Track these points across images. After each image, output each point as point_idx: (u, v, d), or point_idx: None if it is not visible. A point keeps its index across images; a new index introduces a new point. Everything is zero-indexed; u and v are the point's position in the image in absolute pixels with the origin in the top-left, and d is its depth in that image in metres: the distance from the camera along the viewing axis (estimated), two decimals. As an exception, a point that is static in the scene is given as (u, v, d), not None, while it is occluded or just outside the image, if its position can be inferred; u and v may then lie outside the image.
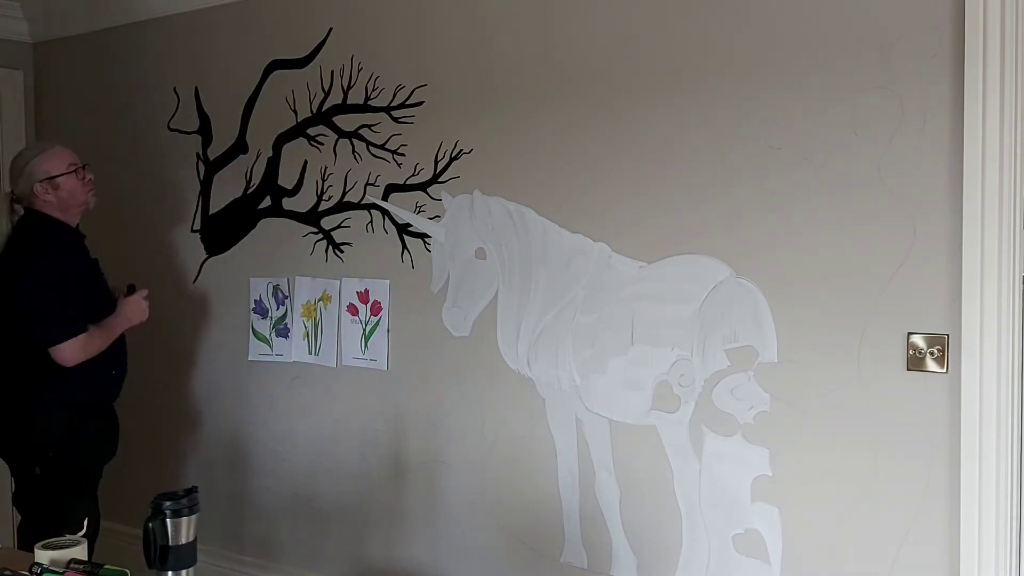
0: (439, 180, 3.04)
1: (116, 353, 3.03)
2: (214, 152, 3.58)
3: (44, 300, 2.84)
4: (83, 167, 3.02)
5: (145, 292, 3.12)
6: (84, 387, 2.94)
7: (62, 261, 2.90)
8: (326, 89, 3.28)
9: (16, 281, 2.85)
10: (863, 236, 2.34)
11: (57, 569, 1.94)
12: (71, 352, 2.83)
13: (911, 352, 2.29)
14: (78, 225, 3.04)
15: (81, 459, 2.98)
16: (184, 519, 2.07)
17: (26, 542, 2.75)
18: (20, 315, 2.85)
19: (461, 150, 2.99)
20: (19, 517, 3.02)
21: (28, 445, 2.92)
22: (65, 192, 2.95)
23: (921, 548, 2.31)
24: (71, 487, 2.94)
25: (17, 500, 3.01)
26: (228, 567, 3.60)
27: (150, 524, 2.05)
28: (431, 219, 3.06)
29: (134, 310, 3.07)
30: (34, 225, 2.93)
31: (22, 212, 2.96)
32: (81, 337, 2.85)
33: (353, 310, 3.27)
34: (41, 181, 2.92)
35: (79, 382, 2.91)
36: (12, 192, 2.98)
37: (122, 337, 3.06)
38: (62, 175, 2.95)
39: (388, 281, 3.18)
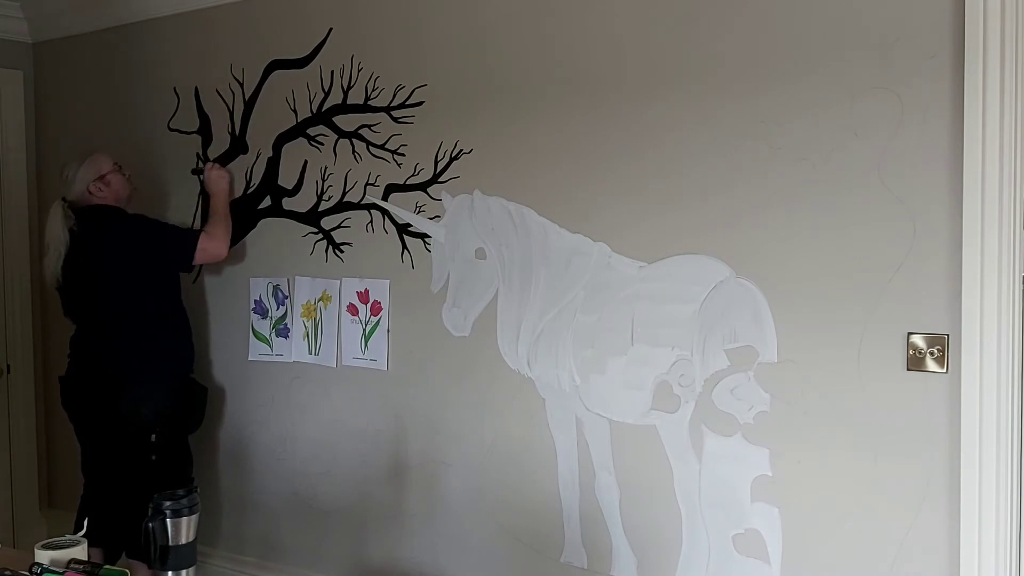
0: (439, 180, 3.04)
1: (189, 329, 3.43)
2: (214, 152, 3.58)
3: (163, 227, 3.34)
4: (120, 168, 3.38)
5: (210, 165, 3.45)
6: (183, 358, 3.37)
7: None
8: (326, 89, 3.27)
9: (132, 238, 3.24)
10: (863, 236, 2.34)
11: (57, 569, 1.94)
12: (209, 243, 3.25)
13: (911, 352, 2.29)
14: None
15: (187, 423, 3.39)
16: (184, 519, 2.07)
17: (126, 509, 3.11)
18: (161, 248, 3.26)
19: (461, 150, 2.99)
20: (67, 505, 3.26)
21: (145, 413, 3.21)
22: (116, 186, 3.33)
23: (921, 548, 2.31)
24: (181, 449, 3.37)
25: (107, 470, 3.27)
26: (228, 567, 3.60)
27: (150, 524, 2.05)
28: (431, 219, 3.06)
29: (216, 183, 3.41)
30: (104, 210, 3.28)
31: (73, 220, 3.23)
32: (204, 234, 3.28)
33: (353, 310, 3.26)
34: (94, 181, 3.28)
35: (180, 354, 3.36)
36: (65, 199, 3.28)
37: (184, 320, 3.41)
38: (109, 172, 3.32)
39: (388, 281, 3.18)
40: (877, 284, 2.33)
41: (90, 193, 3.29)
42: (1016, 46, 2.16)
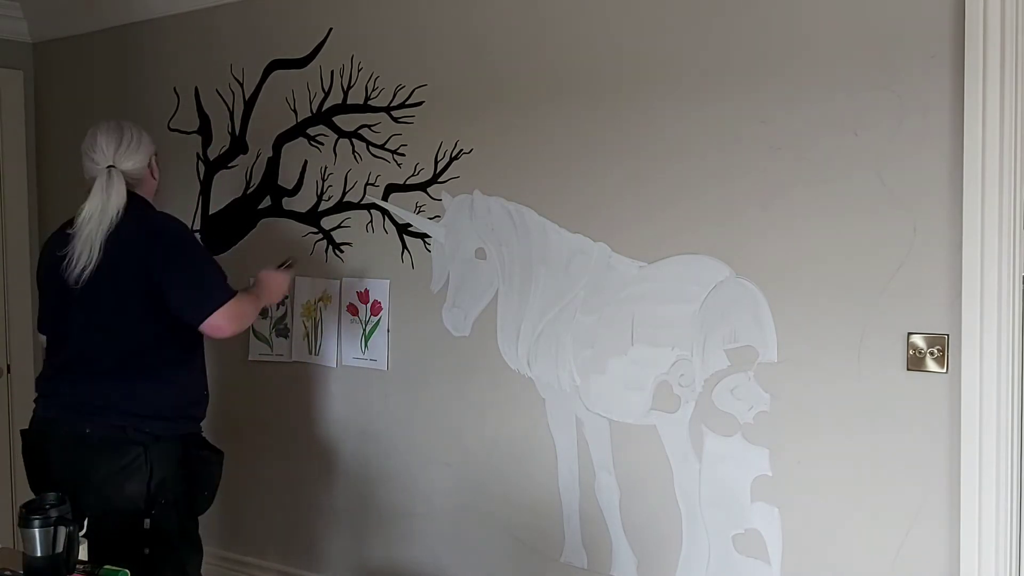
0: (439, 180, 3.04)
1: (203, 374, 2.74)
2: (214, 152, 3.59)
3: (195, 271, 2.54)
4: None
5: (290, 265, 2.94)
6: (189, 412, 2.61)
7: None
8: (326, 89, 3.28)
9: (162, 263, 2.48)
10: (863, 236, 2.34)
11: (57, 569, 1.94)
12: (225, 318, 2.50)
13: (911, 352, 2.29)
14: None
15: (191, 504, 2.59)
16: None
17: None
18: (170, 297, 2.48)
19: (461, 150, 2.99)
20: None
21: (133, 492, 2.45)
22: (158, 173, 2.69)
23: (921, 548, 2.31)
24: (182, 538, 2.52)
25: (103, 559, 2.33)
26: (228, 567, 3.60)
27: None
28: (431, 219, 3.06)
29: (274, 283, 2.83)
30: (141, 207, 2.56)
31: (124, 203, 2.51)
32: (231, 302, 2.51)
33: (353, 310, 3.27)
34: (155, 155, 2.63)
35: (185, 407, 2.59)
36: (118, 167, 2.54)
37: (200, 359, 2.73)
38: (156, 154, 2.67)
39: (388, 281, 3.18)
40: (877, 284, 2.32)
41: (147, 173, 2.59)
42: (1016, 46, 2.16)
